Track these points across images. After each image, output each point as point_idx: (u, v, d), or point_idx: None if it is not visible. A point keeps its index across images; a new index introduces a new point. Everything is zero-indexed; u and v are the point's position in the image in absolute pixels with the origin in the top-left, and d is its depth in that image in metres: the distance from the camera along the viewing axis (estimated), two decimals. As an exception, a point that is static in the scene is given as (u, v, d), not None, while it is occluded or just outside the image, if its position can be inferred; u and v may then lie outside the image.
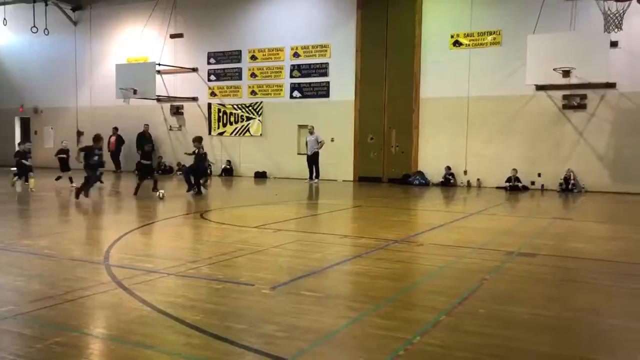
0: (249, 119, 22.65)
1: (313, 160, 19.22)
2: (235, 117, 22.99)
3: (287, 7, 21.78)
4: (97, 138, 13.49)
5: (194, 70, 23.47)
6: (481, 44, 18.50)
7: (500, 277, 5.91)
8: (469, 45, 18.68)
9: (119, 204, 12.99)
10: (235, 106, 22.93)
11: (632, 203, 14.10)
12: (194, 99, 23.59)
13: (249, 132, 22.50)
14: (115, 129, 23.61)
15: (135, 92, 21.18)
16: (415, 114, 19.59)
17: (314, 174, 19.14)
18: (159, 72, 22.50)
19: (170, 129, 24.01)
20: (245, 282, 5.49)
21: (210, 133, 23.13)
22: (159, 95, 22.83)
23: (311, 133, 19.30)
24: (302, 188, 17.51)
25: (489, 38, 18.37)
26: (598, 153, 16.95)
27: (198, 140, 14.79)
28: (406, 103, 19.64)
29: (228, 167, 22.54)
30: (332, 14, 20.94)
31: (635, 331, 4.35)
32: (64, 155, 15.92)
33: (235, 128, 22.96)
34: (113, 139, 23.46)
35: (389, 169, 20.12)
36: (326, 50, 21.12)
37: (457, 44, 18.90)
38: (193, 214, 11.05)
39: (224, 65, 23.17)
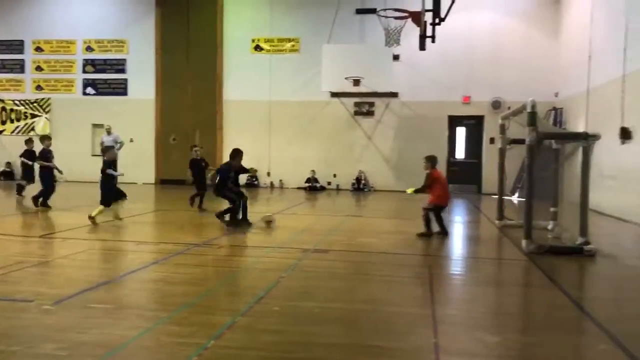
0: (34, 116, 20.50)
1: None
2: (17, 114, 20.59)
3: (79, -2, 20.18)
4: None
5: (-36, 59, 20.52)
6: (281, 50, 19.19)
7: (296, 275, 6.17)
8: (269, 50, 19.25)
9: None
10: (17, 102, 20.53)
11: (411, 200, 15.79)
12: (-36, 92, 20.62)
13: (34, 130, 20.31)
14: None
15: None
16: (219, 115, 19.57)
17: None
18: None
19: None
20: (22, 299, 4.93)
21: (-15, 131, 20.40)
22: None
23: (109, 133, 17.98)
24: (94, 192, 16.28)
25: (288, 45, 19.14)
26: (384, 155, 18.72)
27: None
28: (210, 104, 19.52)
29: (8, 169, 20.08)
30: (129, 9, 19.94)
31: (407, 315, 4.87)
32: None
33: (18, 126, 20.59)
34: None
35: (192, 171, 19.75)
36: (123, 46, 20.04)
37: (258, 48, 19.34)
38: (-39, 224, 9.61)
39: (3, 56, 20.61)
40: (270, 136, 19.34)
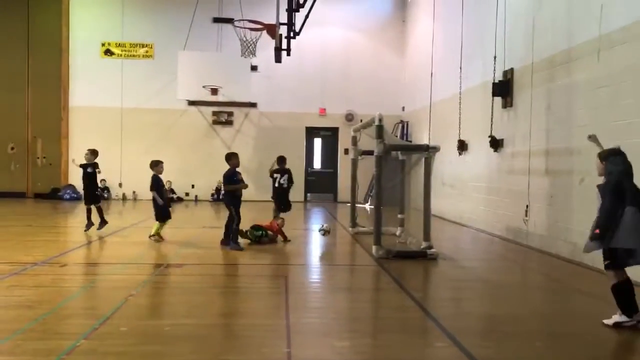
0: None
1: None
2: None
3: None
4: None
5: None
6: (134, 55, 18.36)
7: (147, 292, 5.90)
8: (121, 55, 18.32)
9: None
10: None
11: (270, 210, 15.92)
12: None
13: None
14: None
15: None
16: (64, 122, 18.18)
17: None
18: None
19: None
20: None
21: None
22: None
23: None
24: None
25: (142, 50, 18.37)
26: (244, 165, 18.53)
27: None
28: (54, 111, 18.07)
29: None
30: (-43, 2, 17.83)
31: (262, 326, 4.87)
32: None
33: None
34: None
35: (34, 183, 18.15)
36: (-53, 43, 17.86)
37: (108, 52, 18.32)
38: None
39: None
40: (122, 145, 18.35)
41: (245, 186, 8.92)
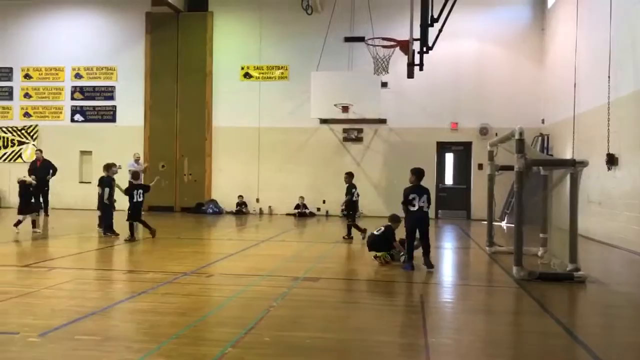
0: (21, 143, 20.37)
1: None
2: (4, 141, 20.46)
3: (69, 26, 20.32)
4: None
5: (-48, 86, 20.46)
6: (270, 77, 19.34)
7: (285, 304, 6.11)
8: (259, 77, 19.38)
9: None
10: (4, 129, 20.43)
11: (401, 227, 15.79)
12: (-48, 119, 20.50)
13: (22, 158, 20.17)
14: None
15: None
16: (208, 142, 19.58)
17: None
18: None
19: None
20: (7, 332, 4.82)
21: (-29, 158, 20.24)
22: None
23: (137, 161, 17.42)
24: (83, 221, 16.16)
25: (277, 72, 19.29)
26: (373, 181, 18.76)
27: None
28: (199, 131, 19.55)
29: (-5, 197, 19.88)
30: (119, 36, 20.05)
31: (399, 345, 4.82)
32: None
33: (5, 153, 20.45)
34: None
35: (181, 198, 19.69)
36: (112, 73, 20.09)
37: (247, 75, 19.47)
38: (-55, 253, 9.43)
39: (-9, 83, 20.57)
40: (259, 162, 19.35)
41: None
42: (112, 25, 20.10)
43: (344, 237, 12.16)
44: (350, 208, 12.46)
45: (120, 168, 19.01)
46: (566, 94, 14.82)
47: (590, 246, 11.65)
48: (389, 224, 9.27)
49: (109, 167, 12.23)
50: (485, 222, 11.15)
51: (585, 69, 13.75)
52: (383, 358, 4.44)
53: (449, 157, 19.19)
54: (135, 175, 12.09)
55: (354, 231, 12.19)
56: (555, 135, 16.48)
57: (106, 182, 11.99)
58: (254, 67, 19.43)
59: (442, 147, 18.94)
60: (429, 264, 8.25)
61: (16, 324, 5.08)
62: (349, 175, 12.57)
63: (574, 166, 7.78)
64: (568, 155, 13.96)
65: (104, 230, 11.91)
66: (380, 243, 9.00)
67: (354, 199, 12.34)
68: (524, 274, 7.65)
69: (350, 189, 12.33)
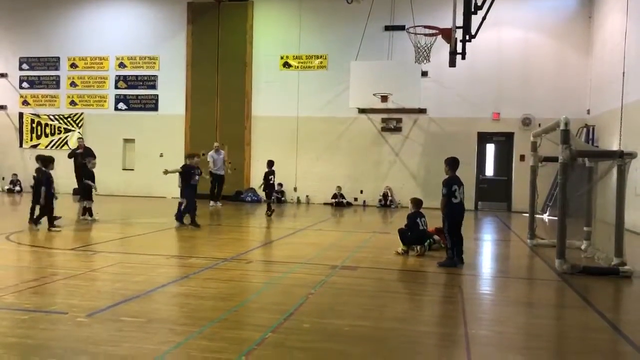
0: (67, 130, 20.99)
1: (221, 181, 17.45)
2: (51, 129, 21.13)
3: (113, 16, 20.74)
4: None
5: (3, 75, 21.17)
6: (309, 66, 19.34)
7: (324, 291, 6.15)
8: (298, 67, 19.41)
9: None
10: (51, 117, 21.09)
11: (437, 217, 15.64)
12: (2, 107, 21.24)
13: (67, 145, 20.78)
14: None
15: None
16: (247, 131, 19.76)
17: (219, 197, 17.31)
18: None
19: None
20: (57, 311, 5.01)
21: (21, 145, 20.99)
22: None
23: (217, 151, 17.42)
24: (126, 207, 16.58)
25: (316, 62, 19.28)
26: (411, 172, 18.61)
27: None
28: (238, 120, 19.74)
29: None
30: (161, 26, 20.37)
31: (438, 335, 4.80)
32: None
33: (52, 140, 21.11)
34: None
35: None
36: (155, 63, 20.45)
37: (286, 65, 19.52)
38: (-3, 236, 9.84)
39: (39, 72, 21.27)
40: (298, 152, 19.43)
41: None
42: (154, 15, 20.44)
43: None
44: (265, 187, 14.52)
45: (162, 156, 19.50)
46: (614, 83, 14.34)
47: (637, 241, 11.30)
48: (414, 210, 9.12)
49: (193, 157, 12.09)
50: (527, 215, 10.94)
51: (634, 58, 13.27)
52: (421, 347, 4.43)
53: (490, 148, 18.85)
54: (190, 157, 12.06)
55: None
56: (601, 126, 15.99)
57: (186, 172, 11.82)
58: (293, 56, 19.47)
59: (483, 138, 18.62)
60: (461, 260, 8.06)
61: (65, 304, 5.27)
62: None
63: (622, 157, 7.54)
64: (614, 147, 13.53)
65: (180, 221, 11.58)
66: (421, 233, 8.94)
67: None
68: (567, 267, 7.49)
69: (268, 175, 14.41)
